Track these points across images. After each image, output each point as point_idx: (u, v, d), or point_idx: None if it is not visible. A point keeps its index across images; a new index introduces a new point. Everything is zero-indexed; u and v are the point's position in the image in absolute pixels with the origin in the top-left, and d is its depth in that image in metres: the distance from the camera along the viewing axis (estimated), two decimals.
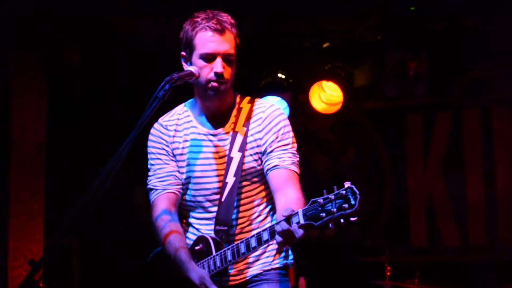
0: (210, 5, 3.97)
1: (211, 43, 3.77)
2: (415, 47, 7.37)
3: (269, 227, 3.52)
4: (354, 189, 3.21)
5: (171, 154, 3.98)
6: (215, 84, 3.75)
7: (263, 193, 3.96)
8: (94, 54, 6.86)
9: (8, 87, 6.08)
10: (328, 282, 7.35)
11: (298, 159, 3.87)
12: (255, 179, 3.92)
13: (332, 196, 3.25)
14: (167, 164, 4.00)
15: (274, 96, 7.46)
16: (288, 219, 3.37)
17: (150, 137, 4.03)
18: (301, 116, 7.93)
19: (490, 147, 8.11)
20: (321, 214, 3.26)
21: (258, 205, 3.96)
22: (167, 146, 3.98)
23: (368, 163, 8.43)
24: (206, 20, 3.79)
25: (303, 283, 6.59)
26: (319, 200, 3.28)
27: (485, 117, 8.11)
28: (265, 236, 3.53)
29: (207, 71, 3.76)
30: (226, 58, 3.77)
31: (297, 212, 3.36)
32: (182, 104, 4.04)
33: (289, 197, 3.71)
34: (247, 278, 3.91)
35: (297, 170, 3.84)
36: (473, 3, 6.62)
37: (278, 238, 3.42)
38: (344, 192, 3.22)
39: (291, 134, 3.89)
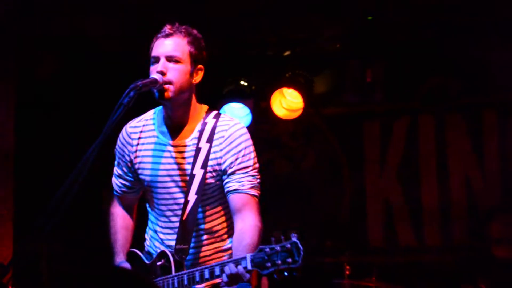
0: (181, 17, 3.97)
1: (156, 47, 3.80)
2: (373, 56, 7.39)
3: (221, 263, 3.57)
4: (299, 244, 3.29)
5: (129, 163, 4.00)
6: (161, 87, 3.71)
7: (223, 212, 3.97)
8: (64, 66, 6.82)
9: None
10: (290, 281, 7.32)
11: (258, 181, 3.87)
12: (216, 197, 3.92)
13: (278, 248, 3.32)
14: (124, 171, 4.05)
15: (237, 103, 7.45)
16: (236, 263, 3.45)
17: (118, 140, 4.05)
18: (263, 122, 7.91)
19: (444, 154, 8.14)
20: (267, 264, 3.34)
21: (218, 223, 3.97)
22: (128, 155, 3.99)
23: (328, 167, 8.43)
24: (161, 31, 3.83)
25: (265, 283, 6.58)
26: (266, 249, 3.34)
27: (439, 125, 8.16)
28: (217, 271, 3.57)
29: (153, 72, 3.74)
30: (169, 59, 3.75)
31: (245, 257, 3.42)
32: (152, 111, 4.02)
33: (246, 223, 3.76)
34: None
35: (256, 193, 3.85)
36: (429, 14, 6.67)
37: (225, 277, 3.50)
38: (289, 246, 3.30)
39: (252, 155, 3.89)
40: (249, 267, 3.39)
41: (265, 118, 7.89)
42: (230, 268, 3.46)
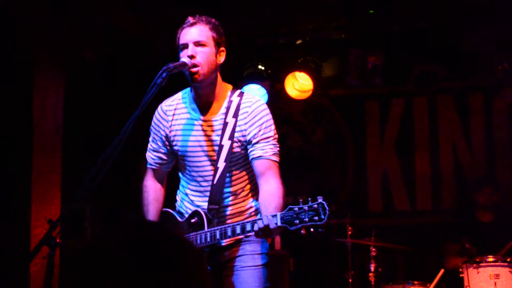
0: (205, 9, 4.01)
1: (183, 35, 3.85)
2: (373, 44, 7.39)
3: (252, 220, 3.62)
4: (325, 205, 3.37)
5: (164, 137, 4.04)
6: (191, 69, 3.77)
7: (246, 177, 4.01)
8: (106, 52, 6.86)
9: (32, 79, 6.06)
10: (298, 240, 7.39)
11: (278, 148, 3.92)
12: (241, 164, 3.97)
13: (306, 207, 3.39)
14: (159, 145, 4.08)
15: (255, 84, 7.48)
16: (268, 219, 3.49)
17: (153, 117, 4.09)
18: (278, 102, 7.94)
19: (435, 129, 8.16)
20: (295, 221, 3.40)
21: (242, 186, 4.01)
22: (163, 130, 4.03)
23: (334, 141, 8.46)
24: (185, 22, 3.88)
25: (278, 240, 6.65)
26: (295, 209, 3.42)
27: (431, 104, 8.17)
28: (248, 227, 3.62)
29: (184, 57, 3.80)
30: (197, 44, 3.81)
31: (276, 215, 3.47)
32: (181, 92, 4.07)
33: (271, 185, 3.81)
34: (235, 242, 3.96)
35: (277, 159, 3.90)
36: (422, 8, 6.66)
37: (256, 228, 3.55)
38: (316, 206, 3.34)
39: (273, 127, 3.93)
40: (279, 223, 3.44)
41: (280, 98, 7.92)
42: (263, 222, 3.50)
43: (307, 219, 3.35)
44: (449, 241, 6.89)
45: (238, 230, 3.65)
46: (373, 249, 6.50)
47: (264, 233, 3.55)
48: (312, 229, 3.38)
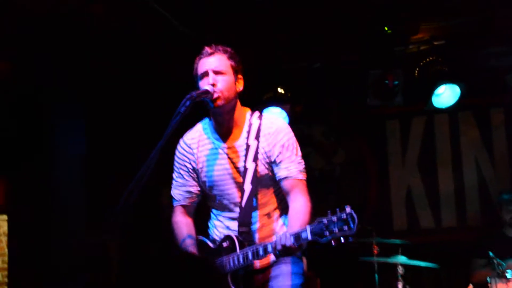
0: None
1: (202, 65, 3.89)
2: (393, 64, 7.37)
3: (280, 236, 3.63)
4: (353, 214, 3.37)
5: (191, 170, 4.06)
6: (213, 96, 3.80)
7: (275, 197, 4.02)
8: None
9: None
10: (324, 260, 7.37)
11: (303, 166, 3.95)
12: (267, 184, 3.98)
13: (334, 219, 3.39)
14: (186, 179, 4.09)
15: (276, 107, 7.50)
16: (296, 235, 3.52)
17: (176, 152, 4.12)
18: (299, 123, 7.95)
19: (457, 146, 8.14)
20: (325, 233, 3.40)
21: (272, 206, 4.02)
22: (189, 163, 4.05)
23: (356, 162, 8.46)
24: (203, 52, 3.92)
25: (304, 262, 6.62)
26: (323, 221, 3.43)
27: (453, 121, 8.15)
28: (269, 248, 3.66)
29: (204, 85, 3.83)
30: (216, 73, 3.85)
31: (305, 229, 3.49)
32: (201, 123, 4.10)
33: (298, 203, 3.85)
34: (270, 263, 3.98)
35: (303, 176, 3.93)
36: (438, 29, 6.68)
37: (278, 246, 3.58)
38: (345, 216, 3.35)
39: (296, 144, 3.96)
40: (309, 237, 3.45)
41: (300, 119, 7.93)
42: (281, 240, 3.53)
43: (336, 230, 3.36)
44: (476, 256, 6.84)
45: (269, 248, 3.66)
46: (400, 268, 6.46)
47: (283, 251, 3.57)
48: (342, 240, 3.38)
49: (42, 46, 5.95)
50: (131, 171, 3.46)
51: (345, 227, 3.35)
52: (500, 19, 6.53)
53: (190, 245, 4.03)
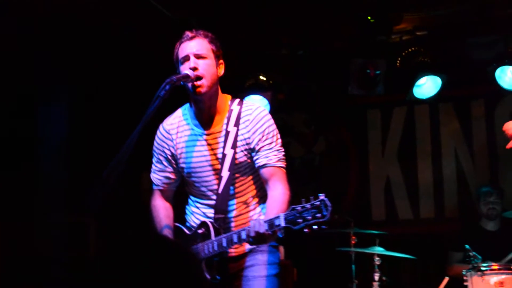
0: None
1: (183, 49, 3.86)
2: (375, 54, 7.37)
3: (245, 228, 3.63)
4: (327, 202, 3.36)
5: (170, 156, 4.04)
6: (195, 82, 3.78)
7: (253, 184, 4.01)
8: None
9: None
10: (301, 250, 7.37)
11: (283, 154, 3.93)
12: (246, 172, 3.96)
13: (308, 206, 3.38)
14: (164, 165, 4.08)
15: (257, 95, 7.47)
16: (269, 222, 3.51)
17: (156, 137, 4.10)
18: (280, 112, 7.93)
19: (437, 137, 8.16)
20: (298, 220, 3.38)
21: (249, 194, 4.00)
22: (168, 149, 4.04)
23: (336, 151, 8.46)
24: (183, 36, 3.89)
25: (281, 250, 6.62)
26: (297, 208, 3.41)
27: (433, 112, 8.17)
28: (243, 235, 3.64)
29: (185, 70, 3.80)
30: (198, 57, 3.82)
31: (279, 216, 3.46)
32: (180, 109, 4.07)
33: (276, 191, 3.82)
34: (246, 251, 3.97)
35: (283, 164, 3.91)
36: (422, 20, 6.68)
37: (251, 234, 3.56)
38: (318, 203, 3.34)
39: (275, 132, 3.93)
40: (283, 224, 3.44)
41: (281, 108, 7.91)
42: (254, 227, 3.52)
43: (309, 217, 3.35)
44: (452, 249, 6.88)
45: (243, 235, 3.64)
46: (377, 258, 6.47)
47: (257, 239, 3.56)
48: (315, 227, 3.38)
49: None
50: (114, 153, 3.43)
51: (318, 215, 3.34)
52: (482, 10, 6.54)
53: (166, 229, 4.04)
